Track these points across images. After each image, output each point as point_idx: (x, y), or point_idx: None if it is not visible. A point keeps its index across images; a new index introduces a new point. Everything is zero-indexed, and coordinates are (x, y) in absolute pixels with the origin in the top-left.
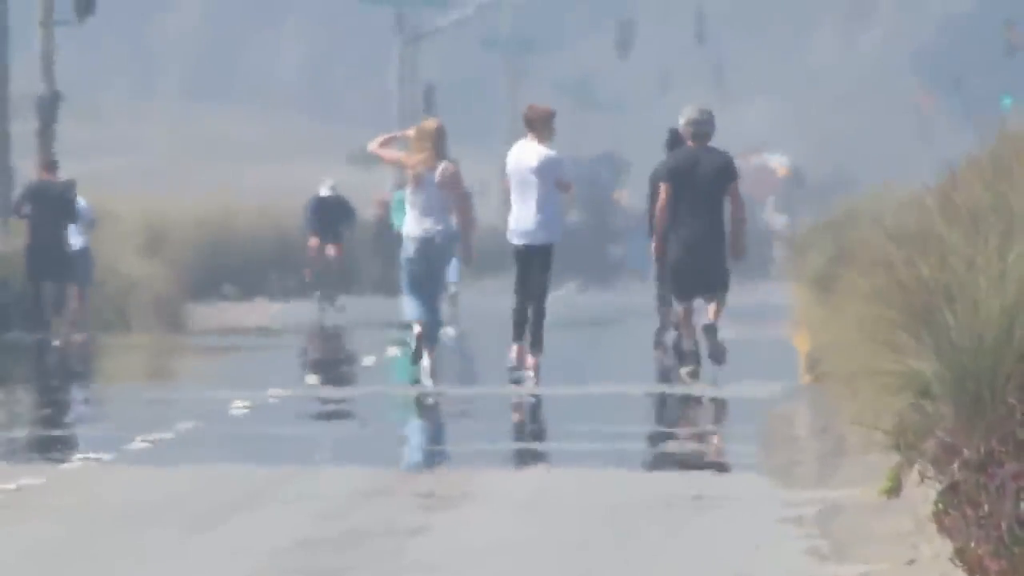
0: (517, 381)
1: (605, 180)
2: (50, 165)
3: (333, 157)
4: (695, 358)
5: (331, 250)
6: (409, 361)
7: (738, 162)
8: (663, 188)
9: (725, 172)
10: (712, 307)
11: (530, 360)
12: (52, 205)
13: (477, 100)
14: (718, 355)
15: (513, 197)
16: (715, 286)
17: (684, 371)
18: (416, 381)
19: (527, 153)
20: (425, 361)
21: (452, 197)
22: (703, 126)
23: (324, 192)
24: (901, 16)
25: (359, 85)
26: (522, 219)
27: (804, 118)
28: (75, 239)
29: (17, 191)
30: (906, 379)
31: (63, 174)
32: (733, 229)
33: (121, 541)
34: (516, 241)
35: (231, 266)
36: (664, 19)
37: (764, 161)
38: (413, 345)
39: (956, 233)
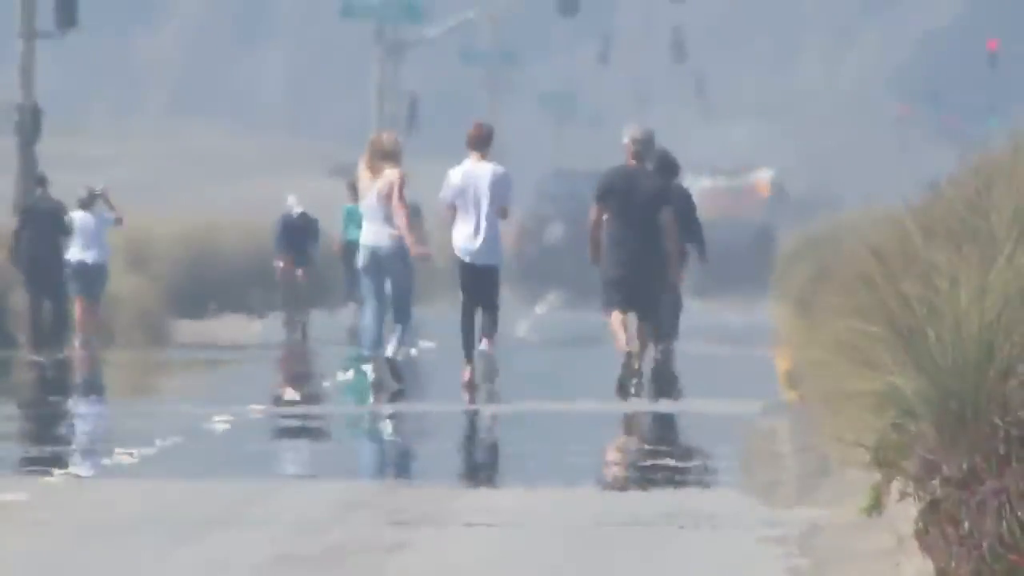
0: (472, 400)
1: (588, 195)
2: (41, 180)
3: (315, 171)
4: (630, 372)
5: (299, 272)
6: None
7: (722, 181)
8: (593, 208)
9: (660, 195)
10: (643, 339)
11: (485, 341)
12: (45, 221)
13: (457, 114)
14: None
15: (461, 216)
16: (645, 310)
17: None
18: (384, 388)
19: (480, 172)
20: (386, 367)
21: (391, 206)
22: (646, 146)
23: (290, 210)
24: (881, 35)
25: (341, 100)
26: (473, 238)
27: (787, 136)
28: (88, 253)
29: (16, 217)
30: (887, 397)
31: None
32: (668, 256)
33: (102, 556)
34: (466, 258)
35: (215, 281)
36: (647, 35)
37: (749, 178)
38: (385, 373)
39: (937, 250)
